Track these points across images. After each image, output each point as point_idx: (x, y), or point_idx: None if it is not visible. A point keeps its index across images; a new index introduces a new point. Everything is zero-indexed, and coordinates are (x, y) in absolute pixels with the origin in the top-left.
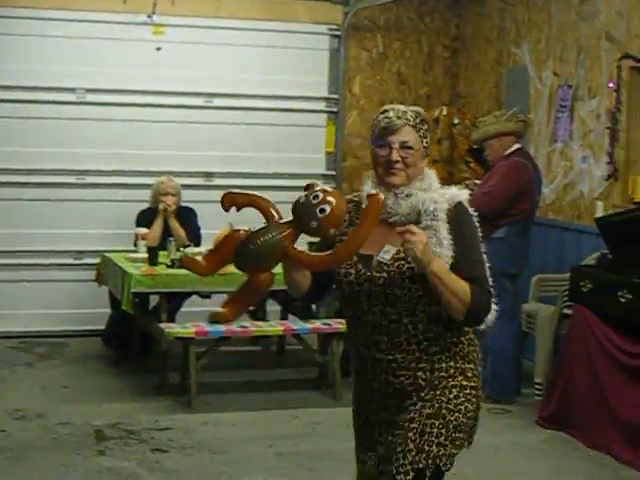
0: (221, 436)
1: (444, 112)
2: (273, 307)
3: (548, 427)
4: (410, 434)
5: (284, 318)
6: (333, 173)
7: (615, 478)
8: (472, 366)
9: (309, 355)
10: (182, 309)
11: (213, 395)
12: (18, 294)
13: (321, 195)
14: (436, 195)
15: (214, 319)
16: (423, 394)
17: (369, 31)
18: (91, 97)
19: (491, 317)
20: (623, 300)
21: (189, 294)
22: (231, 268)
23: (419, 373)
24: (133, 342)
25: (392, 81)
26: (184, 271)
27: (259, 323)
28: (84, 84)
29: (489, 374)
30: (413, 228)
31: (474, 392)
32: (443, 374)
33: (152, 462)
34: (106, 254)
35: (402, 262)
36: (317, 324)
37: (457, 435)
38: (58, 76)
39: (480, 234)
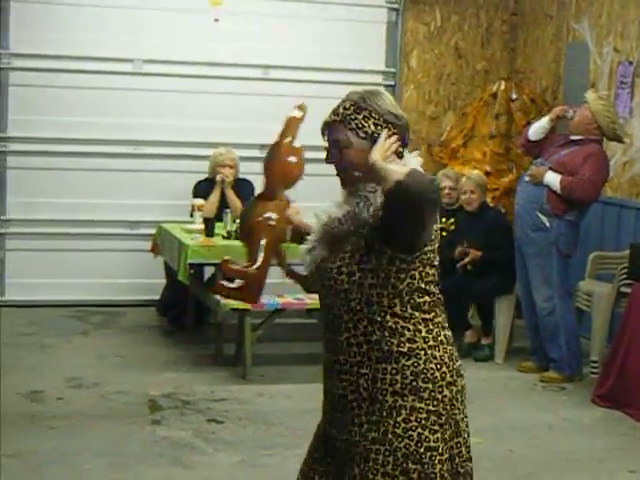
0: (276, 408)
1: (502, 87)
2: None
3: (603, 405)
4: (356, 458)
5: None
6: None
7: None
8: (430, 386)
9: None
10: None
11: (268, 367)
12: (74, 263)
13: None
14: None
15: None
16: (366, 410)
17: (427, 4)
18: (148, 68)
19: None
20: None
21: None
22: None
23: (361, 380)
24: (188, 313)
25: (450, 55)
26: (240, 243)
27: (314, 296)
28: (142, 55)
29: (565, 354)
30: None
31: (434, 419)
32: (387, 387)
33: (208, 433)
34: (162, 225)
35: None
36: None
37: (410, 466)
38: (116, 46)
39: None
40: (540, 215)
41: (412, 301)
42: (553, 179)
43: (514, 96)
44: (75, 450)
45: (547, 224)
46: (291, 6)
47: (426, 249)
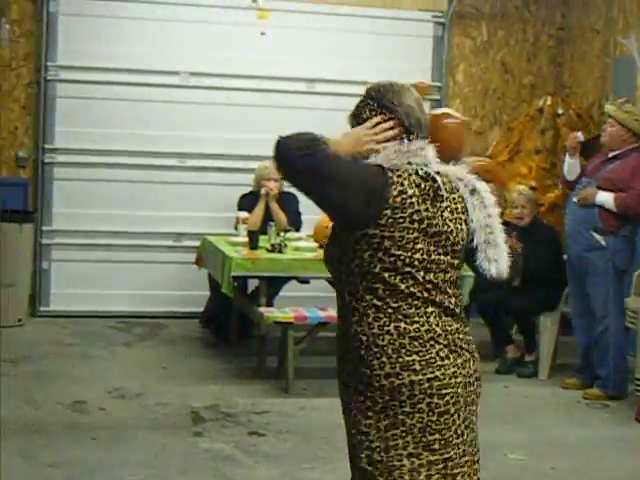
0: (318, 421)
1: (548, 102)
2: None
3: None
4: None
5: None
6: None
7: None
8: (368, 372)
9: None
10: (280, 294)
11: (310, 380)
12: (119, 275)
13: None
14: None
15: None
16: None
17: (474, 19)
18: (195, 80)
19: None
20: None
21: (288, 279)
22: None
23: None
24: (231, 325)
25: (496, 70)
26: (284, 256)
27: None
28: (188, 67)
29: (613, 372)
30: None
31: (369, 404)
32: (343, 366)
33: (249, 445)
34: (207, 237)
35: None
36: None
37: (349, 445)
38: (162, 59)
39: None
40: (595, 234)
41: (364, 283)
42: (606, 198)
43: (560, 111)
44: (116, 461)
45: (603, 242)
46: (337, 20)
47: (371, 232)
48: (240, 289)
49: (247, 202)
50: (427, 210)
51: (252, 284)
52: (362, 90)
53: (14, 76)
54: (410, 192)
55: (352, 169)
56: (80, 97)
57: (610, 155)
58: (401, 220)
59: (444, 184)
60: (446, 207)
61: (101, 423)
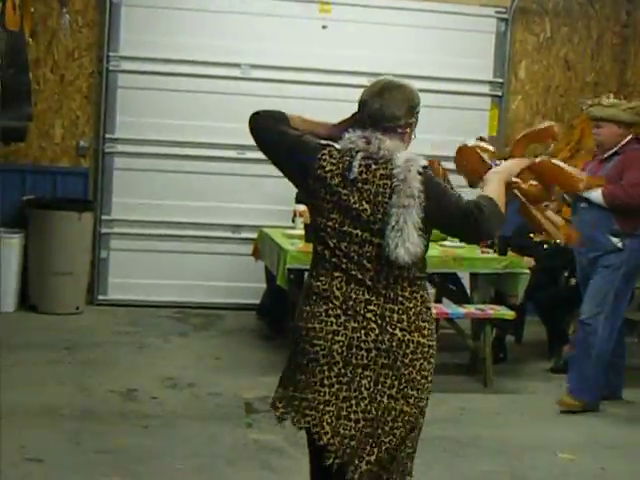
0: None
1: None
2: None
3: None
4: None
5: (438, 302)
6: None
7: None
8: (308, 309)
9: (461, 340)
10: None
11: None
12: (177, 265)
13: None
14: None
15: None
16: None
17: (537, 15)
18: (255, 73)
19: None
20: None
21: None
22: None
23: None
24: (287, 317)
25: (559, 67)
26: None
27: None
28: (249, 60)
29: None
30: None
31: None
32: None
33: (298, 438)
34: (264, 229)
35: None
36: (471, 309)
37: (297, 377)
38: (224, 51)
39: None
40: (611, 237)
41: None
42: (595, 195)
43: None
44: (165, 450)
45: (619, 245)
46: (399, 15)
47: (309, 200)
48: (296, 282)
49: None
50: (343, 187)
51: None
52: (424, 85)
53: (76, 66)
54: (328, 168)
55: (295, 144)
56: (141, 88)
57: (607, 154)
58: (319, 190)
59: (382, 169)
60: (366, 189)
61: (152, 412)
